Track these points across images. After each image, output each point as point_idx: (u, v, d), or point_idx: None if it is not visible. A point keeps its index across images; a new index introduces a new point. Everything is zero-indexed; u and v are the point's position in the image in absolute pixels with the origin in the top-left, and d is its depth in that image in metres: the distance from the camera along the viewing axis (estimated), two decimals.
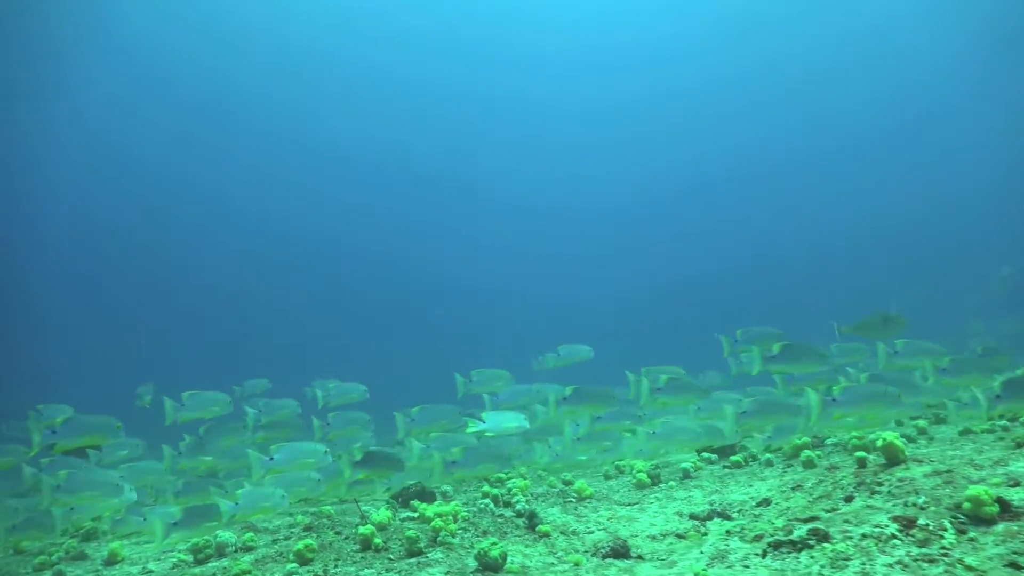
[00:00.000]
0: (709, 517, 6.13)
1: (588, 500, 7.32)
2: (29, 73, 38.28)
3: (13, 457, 7.53)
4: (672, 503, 6.80)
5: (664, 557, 4.81)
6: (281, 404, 9.01)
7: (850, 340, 7.92)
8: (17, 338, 47.72)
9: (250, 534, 7.18)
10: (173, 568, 6.66)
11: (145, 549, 7.98)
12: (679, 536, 5.61)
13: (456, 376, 7.95)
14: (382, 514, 7.00)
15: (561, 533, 6.05)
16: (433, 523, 5.91)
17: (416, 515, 7.50)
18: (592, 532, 6.17)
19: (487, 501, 7.19)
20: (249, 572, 5.10)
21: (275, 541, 7.23)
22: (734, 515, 6.06)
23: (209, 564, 6.54)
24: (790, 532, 4.78)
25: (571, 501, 7.35)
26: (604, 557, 4.77)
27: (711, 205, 57.11)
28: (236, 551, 6.91)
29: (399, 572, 4.99)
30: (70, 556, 7.91)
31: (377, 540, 5.84)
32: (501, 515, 6.75)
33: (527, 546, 5.67)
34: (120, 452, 8.47)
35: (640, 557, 4.84)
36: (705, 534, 5.61)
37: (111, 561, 7.41)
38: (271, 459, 6.62)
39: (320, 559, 5.60)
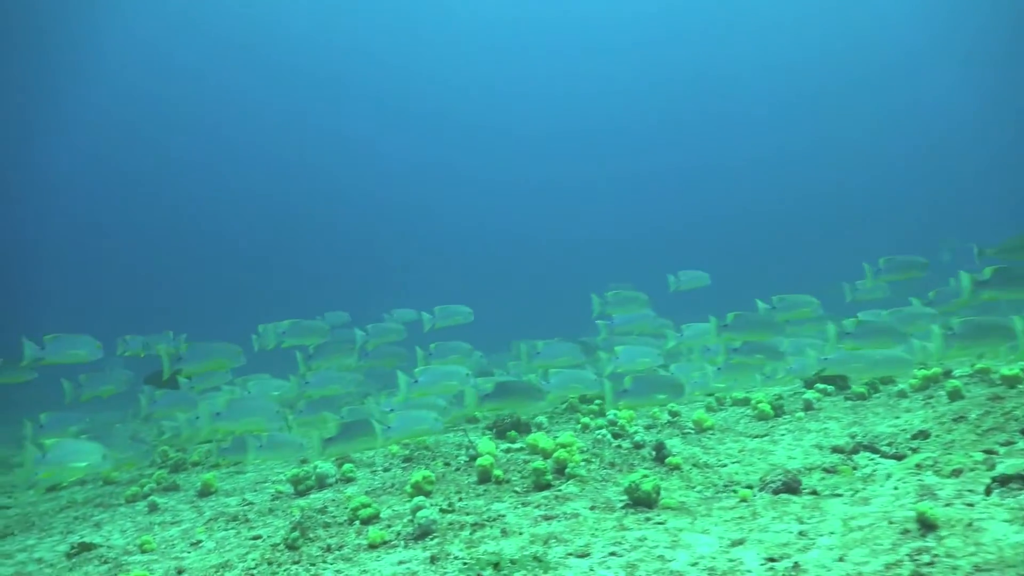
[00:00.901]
0: (855, 451, 5.48)
1: (710, 432, 6.70)
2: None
3: (114, 385, 7.15)
4: (807, 435, 6.15)
5: (841, 492, 4.17)
6: (387, 328, 8.47)
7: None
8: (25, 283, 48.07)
9: (349, 465, 6.74)
10: (273, 499, 6.25)
11: (238, 480, 7.63)
12: (827, 471, 4.97)
13: (592, 296, 7.41)
14: (486, 444, 6.50)
15: (693, 466, 5.45)
16: (557, 454, 5.35)
17: (520, 447, 6.99)
18: (726, 465, 5.57)
19: (604, 432, 6.62)
20: (370, 505, 4.60)
21: (373, 472, 6.78)
22: (883, 447, 5.40)
23: (311, 495, 6.10)
24: (993, 466, 4.11)
25: (690, 433, 6.75)
26: (776, 492, 4.14)
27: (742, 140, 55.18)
28: (336, 482, 6.48)
29: (537, 506, 4.43)
30: (161, 487, 7.59)
31: (497, 472, 5.32)
32: (619, 447, 6.18)
33: (662, 479, 5.09)
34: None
35: (815, 492, 4.21)
36: (855, 468, 4.96)
37: (205, 492, 7.05)
38: (416, 381, 6.25)
39: (440, 492, 5.09)
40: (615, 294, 7.34)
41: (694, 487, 4.91)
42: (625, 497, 4.34)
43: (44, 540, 6.12)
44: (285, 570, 3.84)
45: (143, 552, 4.92)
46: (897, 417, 6.14)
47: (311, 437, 5.86)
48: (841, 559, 3.01)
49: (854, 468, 4.99)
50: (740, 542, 3.43)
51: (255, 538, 4.68)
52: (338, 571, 3.76)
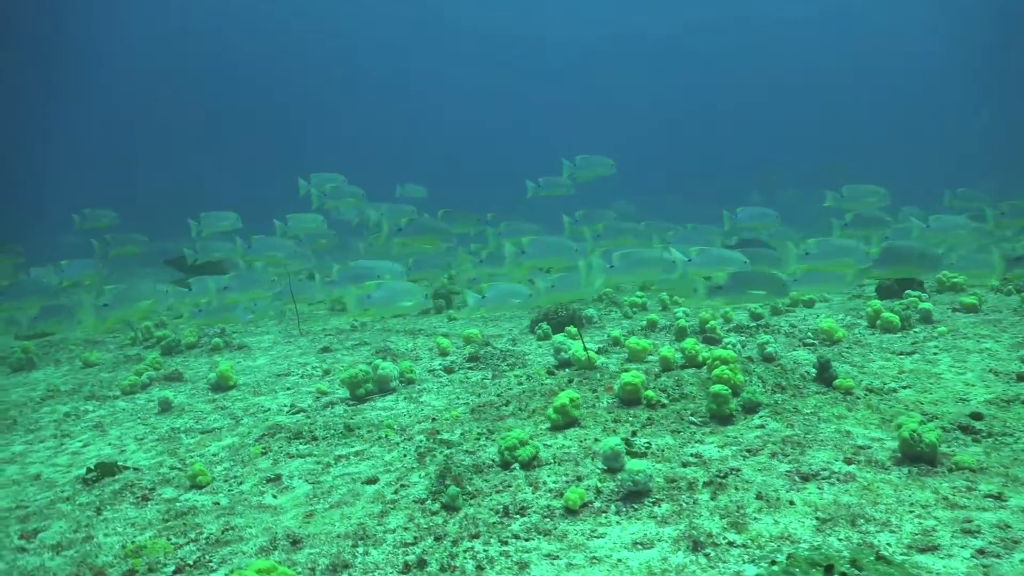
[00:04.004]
0: None
1: (839, 344, 5.53)
2: None
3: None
4: (970, 356, 5.04)
5: None
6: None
7: None
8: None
9: (406, 362, 5.38)
10: (326, 405, 4.87)
11: (251, 370, 6.18)
12: None
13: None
14: (577, 347, 5.22)
15: (868, 391, 4.27)
16: (717, 371, 4.09)
17: (609, 349, 5.73)
18: (897, 391, 4.41)
19: (733, 338, 5.39)
20: (527, 442, 3.26)
21: (434, 374, 5.45)
22: None
23: (375, 402, 4.74)
24: None
25: (813, 344, 5.57)
26: None
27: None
28: (400, 384, 5.13)
29: (772, 455, 3.18)
30: (162, 375, 6.10)
31: (650, 393, 4.04)
32: (750, 359, 4.96)
33: (850, 410, 3.90)
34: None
35: None
36: None
37: (221, 385, 5.62)
38: (522, 252, 5.33)
39: (591, 417, 3.80)
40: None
41: (890, 422, 3.74)
42: (878, 443, 3.12)
43: (35, 446, 4.64)
44: (468, 553, 2.51)
45: (198, 488, 3.51)
46: None
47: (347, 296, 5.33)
48: None
49: None
50: None
51: (369, 481, 3.30)
52: (550, 556, 2.45)
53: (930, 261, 5.28)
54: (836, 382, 4.33)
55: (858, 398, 4.12)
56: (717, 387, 3.78)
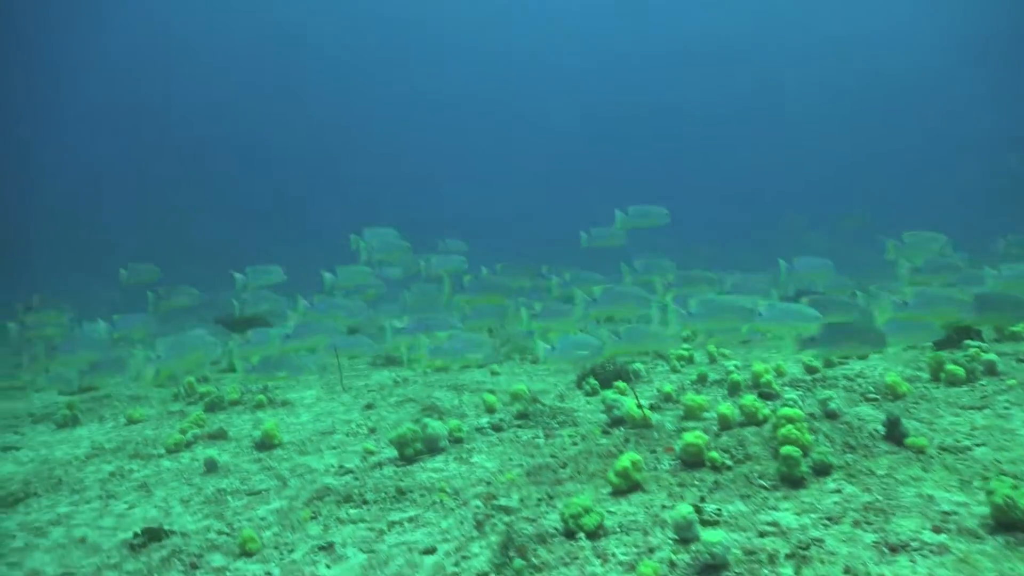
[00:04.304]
0: None
1: (903, 399, 5.28)
2: None
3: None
4: None
5: None
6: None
7: None
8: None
9: (455, 421, 5.24)
10: (375, 465, 4.74)
11: (294, 427, 6.08)
12: None
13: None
14: (630, 404, 5.05)
15: (941, 449, 4.04)
16: (783, 430, 3.90)
17: (663, 403, 5.54)
18: (971, 449, 4.16)
19: (793, 394, 5.18)
20: (591, 510, 3.10)
21: (482, 432, 5.30)
22: None
23: (425, 463, 4.59)
24: None
25: (876, 399, 5.33)
26: None
27: None
28: (449, 444, 4.99)
29: (854, 523, 2.97)
30: (206, 434, 6.02)
31: (714, 454, 3.86)
32: (811, 415, 4.75)
33: (926, 470, 3.68)
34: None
35: None
36: None
37: (266, 444, 5.52)
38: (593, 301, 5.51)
39: (654, 481, 3.62)
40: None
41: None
42: (964, 508, 2.91)
43: (80, 507, 4.56)
44: None
45: (247, 555, 3.38)
46: None
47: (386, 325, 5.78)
48: None
49: None
50: None
51: (428, 551, 3.15)
52: None
53: None
54: (908, 440, 4.11)
55: (932, 457, 3.90)
56: (788, 448, 3.59)
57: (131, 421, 6.94)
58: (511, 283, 6.64)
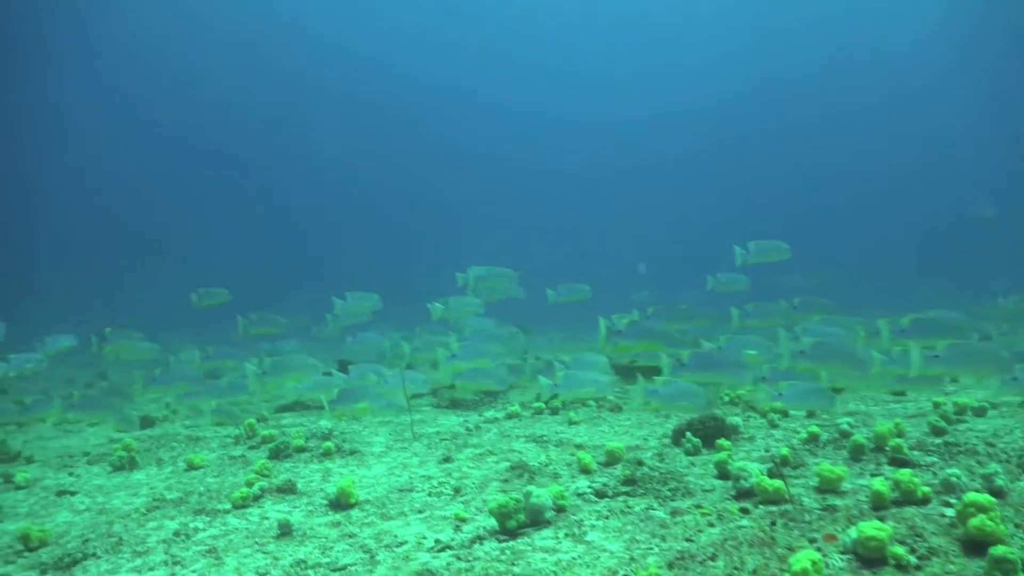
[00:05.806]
0: None
1: None
2: None
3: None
4: None
5: None
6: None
7: None
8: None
9: (556, 486, 4.61)
10: (473, 540, 4.12)
11: (368, 482, 5.48)
12: None
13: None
14: (754, 469, 4.39)
15: None
16: (975, 521, 3.22)
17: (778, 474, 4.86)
18: None
19: (955, 469, 4.48)
20: None
21: (586, 501, 4.67)
22: None
23: (531, 538, 3.95)
24: None
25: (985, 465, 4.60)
26: None
27: None
28: (555, 514, 4.36)
29: None
30: (274, 488, 5.47)
31: (898, 550, 3.18)
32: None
33: None
34: None
35: None
36: None
37: (342, 503, 4.95)
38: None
39: None
40: None
41: None
42: None
43: (144, 574, 3.99)
44: None
45: None
46: None
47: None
48: None
49: None
50: None
51: None
52: None
53: None
54: None
55: None
56: (1001, 550, 2.91)
57: (191, 467, 6.41)
58: (673, 328, 6.11)
